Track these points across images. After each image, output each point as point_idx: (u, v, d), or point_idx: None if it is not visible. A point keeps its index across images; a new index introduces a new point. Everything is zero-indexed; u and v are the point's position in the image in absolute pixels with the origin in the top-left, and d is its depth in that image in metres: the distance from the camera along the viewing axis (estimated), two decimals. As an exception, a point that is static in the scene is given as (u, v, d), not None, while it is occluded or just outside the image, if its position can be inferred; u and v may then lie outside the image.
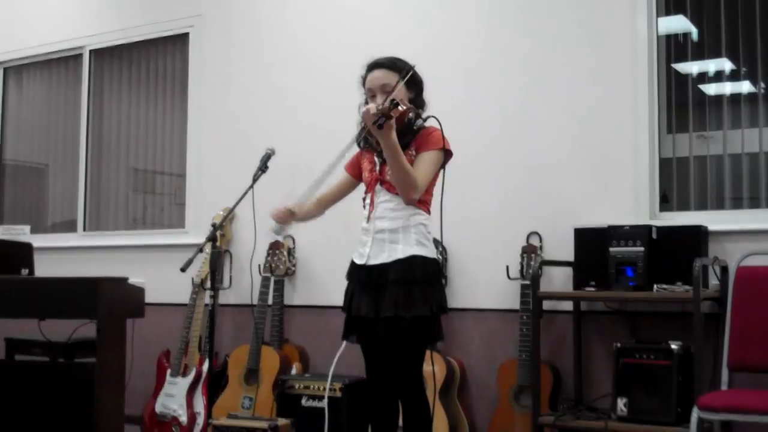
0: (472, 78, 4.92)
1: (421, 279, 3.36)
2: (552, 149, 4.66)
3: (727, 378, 3.73)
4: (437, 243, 4.49)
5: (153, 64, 6.41)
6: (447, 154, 3.46)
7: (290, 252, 5.28)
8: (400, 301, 3.31)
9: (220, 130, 5.82)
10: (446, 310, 3.46)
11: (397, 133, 3.29)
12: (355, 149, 3.63)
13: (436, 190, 3.50)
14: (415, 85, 3.52)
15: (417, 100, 3.49)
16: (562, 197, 4.60)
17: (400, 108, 3.22)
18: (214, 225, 4.72)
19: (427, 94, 3.59)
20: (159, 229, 6.24)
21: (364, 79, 3.55)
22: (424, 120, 3.47)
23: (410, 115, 3.33)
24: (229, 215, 4.87)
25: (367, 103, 3.51)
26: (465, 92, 4.90)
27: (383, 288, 3.37)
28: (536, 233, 4.61)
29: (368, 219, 3.48)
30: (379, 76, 3.47)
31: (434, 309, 3.36)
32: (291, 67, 5.58)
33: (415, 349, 3.43)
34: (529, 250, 4.50)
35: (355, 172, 3.65)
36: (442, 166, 3.47)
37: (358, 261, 3.50)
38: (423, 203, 3.45)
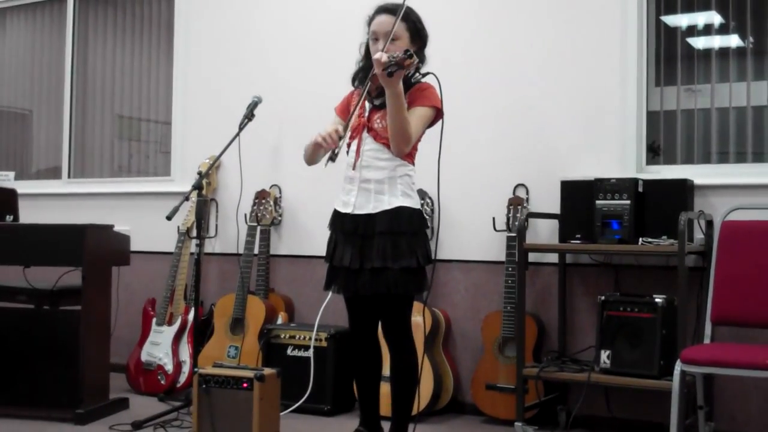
0: (459, 32, 4.83)
1: (408, 230, 3.36)
2: (539, 101, 4.59)
3: (710, 332, 3.70)
4: (424, 194, 4.46)
5: (138, 9, 6.28)
6: (438, 113, 3.42)
7: (276, 201, 5.22)
8: (387, 252, 3.31)
9: (206, 78, 5.71)
10: (431, 260, 3.46)
11: None
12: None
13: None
14: (420, 39, 3.48)
15: (418, 54, 3.41)
16: (549, 150, 4.55)
17: (414, 60, 3.16)
18: (200, 173, 4.66)
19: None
20: (144, 177, 6.18)
21: (370, 19, 3.48)
22: (423, 75, 3.44)
23: (413, 68, 3.29)
24: (215, 163, 4.83)
25: (368, 44, 3.48)
26: (453, 45, 4.80)
27: (369, 238, 3.36)
28: (523, 185, 4.56)
29: (354, 167, 3.43)
30: (387, 21, 3.40)
31: (420, 260, 3.36)
32: (279, 13, 5.46)
33: (403, 299, 3.42)
34: (515, 202, 4.46)
35: (346, 117, 3.56)
36: (431, 124, 3.44)
37: (342, 210, 3.47)
38: (409, 156, 3.44)
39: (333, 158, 3.25)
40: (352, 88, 3.60)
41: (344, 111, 3.58)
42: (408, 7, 3.44)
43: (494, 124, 4.70)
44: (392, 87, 3.18)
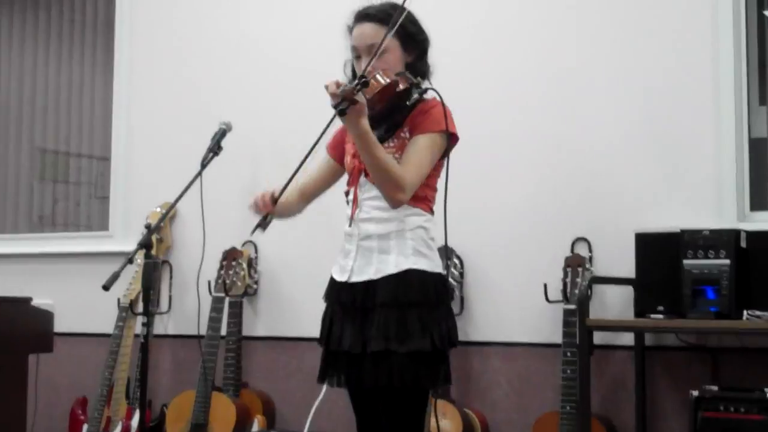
0: (498, 34, 4.88)
1: (420, 301, 3.26)
2: (606, 130, 4.61)
3: (838, 435, 3.68)
4: (451, 253, 4.39)
5: (68, 11, 6.39)
6: (450, 137, 3.33)
7: (251, 263, 5.24)
8: (391, 331, 3.22)
9: (158, 99, 5.76)
10: (455, 342, 3.36)
11: (386, 110, 3.23)
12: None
13: (439, 186, 3.39)
14: (415, 44, 3.40)
15: (417, 65, 3.37)
16: (618, 193, 4.57)
17: (378, 81, 3.10)
18: (148, 226, 4.63)
19: (434, 57, 3.47)
20: (74, 232, 6.21)
21: (350, 30, 3.43)
22: (423, 91, 3.35)
23: (400, 87, 3.22)
24: (169, 213, 4.79)
25: (353, 64, 3.44)
26: (488, 53, 4.85)
27: (370, 313, 3.28)
28: (584, 240, 4.57)
29: (351, 221, 3.38)
30: (368, 32, 3.33)
31: (437, 341, 3.26)
32: (250, 18, 5.54)
33: (412, 395, 3.31)
34: (574, 263, 4.46)
35: (338, 155, 3.54)
36: (445, 152, 3.36)
37: (339, 277, 3.40)
38: (422, 200, 3.35)
39: (263, 225, 3.30)
40: None
41: (337, 147, 3.55)
42: (392, 6, 3.37)
43: (545, 159, 4.72)
44: (353, 128, 3.13)
